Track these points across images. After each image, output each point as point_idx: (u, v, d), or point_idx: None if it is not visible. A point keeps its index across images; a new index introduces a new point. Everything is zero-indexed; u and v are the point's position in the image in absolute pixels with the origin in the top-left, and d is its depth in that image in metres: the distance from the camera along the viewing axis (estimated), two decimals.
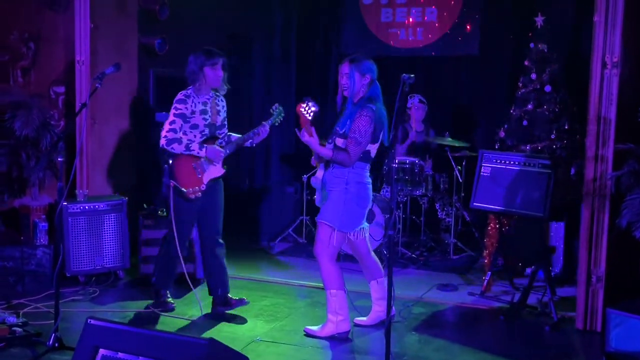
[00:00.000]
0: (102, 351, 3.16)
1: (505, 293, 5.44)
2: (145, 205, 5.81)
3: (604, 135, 4.57)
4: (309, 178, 7.08)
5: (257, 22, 8.20)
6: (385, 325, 3.73)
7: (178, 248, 4.75)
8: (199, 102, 4.70)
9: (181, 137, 4.62)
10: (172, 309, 4.92)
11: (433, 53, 7.67)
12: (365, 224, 4.54)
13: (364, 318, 4.70)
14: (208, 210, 4.84)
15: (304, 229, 7.13)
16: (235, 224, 7.62)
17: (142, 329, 3.26)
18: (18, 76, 6.39)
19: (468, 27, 7.54)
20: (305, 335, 4.52)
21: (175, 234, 4.70)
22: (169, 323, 4.72)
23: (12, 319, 4.36)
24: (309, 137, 4.31)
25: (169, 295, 5.02)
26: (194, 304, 4.99)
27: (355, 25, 7.95)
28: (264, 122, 4.79)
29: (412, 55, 7.65)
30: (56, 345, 4.06)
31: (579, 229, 4.77)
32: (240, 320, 4.81)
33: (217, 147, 4.69)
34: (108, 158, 6.29)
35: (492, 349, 4.39)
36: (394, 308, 4.56)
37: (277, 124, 4.90)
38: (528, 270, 5.75)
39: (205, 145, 4.67)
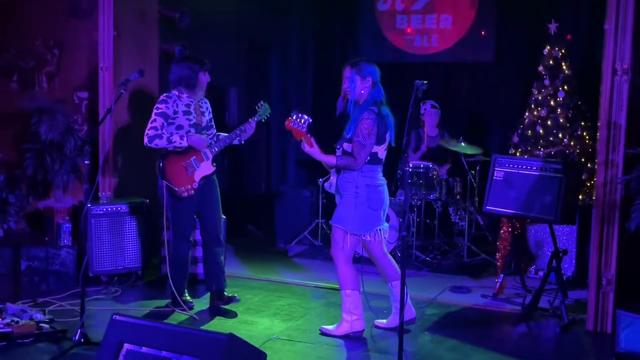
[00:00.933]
0: (126, 346, 3.30)
1: (518, 295, 5.52)
2: None
3: (614, 141, 4.66)
4: (324, 182, 7.21)
5: (275, 29, 8.36)
6: (399, 324, 3.83)
7: (177, 247, 4.97)
8: (181, 104, 4.88)
9: (162, 133, 4.77)
10: (192, 307, 5.06)
11: (448, 59, 7.78)
12: (385, 225, 4.59)
13: (384, 320, 4.78)
14: (205, 208, 5.02)
15: (319, 232, 7.25)
16: (253, 226, 7.83)
17: (165, 325, 3.41)
18: (43, 82, 6.58)
19: (483, 33, 7.64)
20: (320, 334, 4.64)
21: (172, 233, 4.94)
22: (186, 321, 4.85)
23: (38, 316, 4.52)
24: (310, 148, 4.39)
25: (186, 294, 5.16)
26: (205, 304, 5.15)
27: (371, 32, 8.08)
28: (250, 119, 4.97)
29: (427, 62, 7.77)
30: (82, 340, 4.21)
31: (591, 232, 4.86)
32: (253, 318, 4.95)
33: (199, 135, 4.83)
34: (130, 161, 6.45)
35: (503, 350, 4.48)
36: (414, 310, 4.70)
37: (263, 120, 5.07)
38: (539, 273, 5.84)
39: (185, 135, 4.80)
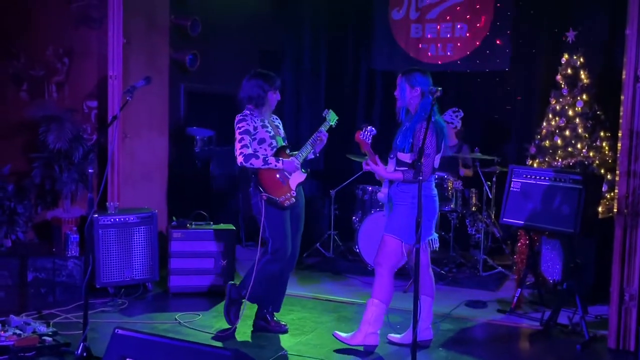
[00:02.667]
0: None
1: (536, 310, 5.35)
2: (174, 218, 5.86)
3: (636, 150, 4.50)
4: (337, 193, 7.09)
5: (288, 38, 8.28)
6: (412, 339, 3.69)
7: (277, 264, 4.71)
8: (257, 119, 4.77)
9: (256, 152, 4.68)
10: (286, 331, 4.85)
11: (463, 69, 7.65)
12: (435, 235, 4.55)
13: (398, 335, 4.66)
14: (294, 222, 4.84)
15: (331, 244, 7.12)
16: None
17: (168, 339, 3.28)
18: (53, 91, 6.53)
19: (498, 42, 7.51)
20: (334, 338, 4.52)
21: (270, 249, 4.70)
22: (196, 335, 4.72)
23: (42, 329, 4.42)
24: (375, 166, 4.40)
25: (274, 315, 4.92)
26: (221, 316, 4.99)
27: (385, 41, 7.97)
28: (320, 129, 4.80)
29: (442, 71, 7.63)
30: (84, 354, 4.10)
31: (611, 245, 4.69)
32: (262, 332, 4.82)
33: (292, 159, 4.73)
34: (139, 171, 6.37)
35: None
36: (432, 332, 4.57)
37: (333, 126, 4.87)
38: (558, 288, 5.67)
39: (280, 158, 4.71)
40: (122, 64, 6.01)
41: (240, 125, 4.71)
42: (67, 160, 6.06)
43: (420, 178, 3.85)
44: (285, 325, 4.89)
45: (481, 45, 7.56)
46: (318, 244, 7.15)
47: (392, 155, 4.45)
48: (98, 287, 5.50)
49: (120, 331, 3.28)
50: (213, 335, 4.75)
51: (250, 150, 4.66)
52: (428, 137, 4.21)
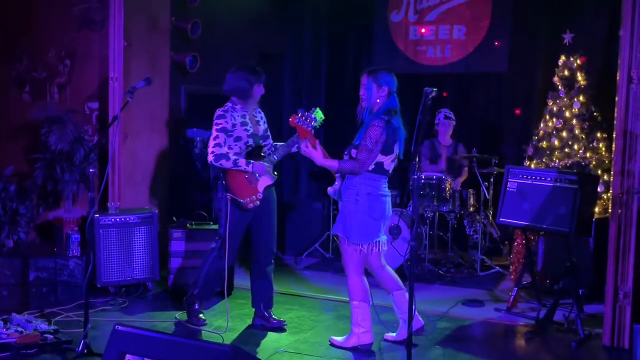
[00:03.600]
0: (128, 357, 3.22)
1: (532, 309, 5.40)
2: (174, 218, 5.91)
3: (630, 150, 4.55)
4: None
5: (288, 40, 8.34)
6: (407, 336, 3.74)
7: (226, 261, 4.79)
8: (237, 116, 4.79)
9: (227, 152, 4.70)
10: (204, 324, 4.93)
11: (461, 70, 7.70)
12: (383, 237, 4.45)
13: (394, 334, 4.67)
14: (263, 222, 4.87)
15: (330, 244, 7.17)
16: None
17: (167, 335, 3.32)
18: (54, 93, 6.59)
19: (496, 44, 7.57)
20: (330, 344, 4.56)
21: (227, 247, 4.76)
22: (194, 334, 4.77)
23: (43, 326, 4.47)
24: (312, 150, 4.30)
25: (201, 310, 5.04)
26: (221, 315, 5.06)
27: (384, 43, 8.03)
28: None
29: (440, 73, 7.70)
30: (85, 351, 4.15)
31: (606, 245, 4.74)
32: (261, 330, 4.88)
33: (263, 163, 4.73)
34: (139, 172, 6.43)
35: None
36: (421, 319, 4.58)
37: (318, 126, 4.82)
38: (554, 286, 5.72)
39: (251, 161, 4.72)
40: (123, 65, 6.06)
41: (218, 122, 4.74)
42: (69, 161, 6.11)
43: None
44: (283, 322, 4.94)
45: (479, 47, 7.61)
46: (317, 245, 7.21)
47: (346, 152, 4.40)
48: (99, 286, 5.55)
49: (120, 327, 3.31)
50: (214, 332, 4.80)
51: (222, 150, 4.68)
52: (375, 133, 4.19)
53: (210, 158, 4.69)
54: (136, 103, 4.67)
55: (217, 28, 7.28)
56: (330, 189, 4.52)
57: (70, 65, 6.52)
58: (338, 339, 4.57)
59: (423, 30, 7.80)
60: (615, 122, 4.65)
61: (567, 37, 6.62)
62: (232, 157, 4.68)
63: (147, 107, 6.38)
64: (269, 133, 5.00)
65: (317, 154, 4.31)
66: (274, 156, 4.79)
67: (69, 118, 6.18)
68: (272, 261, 5.00)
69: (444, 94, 7.49)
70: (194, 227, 5.78)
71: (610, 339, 4.65)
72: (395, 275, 4.58)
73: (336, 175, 4.46)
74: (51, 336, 4.37)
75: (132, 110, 5.80)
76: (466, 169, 7.07)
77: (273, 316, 4.96)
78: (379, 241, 4.41)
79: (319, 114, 4.65)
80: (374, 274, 4.58)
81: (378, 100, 4.34)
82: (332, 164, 4.29)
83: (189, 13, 6.96)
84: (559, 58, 6.49)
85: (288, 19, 8.25)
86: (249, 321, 5.01)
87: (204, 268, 4.92)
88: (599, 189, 5.65)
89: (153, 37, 6.53)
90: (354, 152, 4.34)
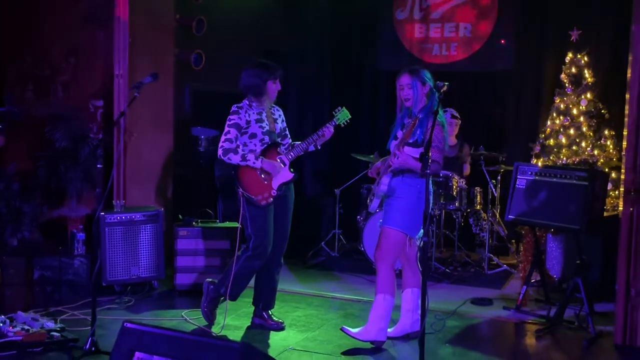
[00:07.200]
0: (137, 354, 3.18)
1: (542, 307, 5.35)
2: (180, 216, 5.87)
3: None
4: (341, 192, 7.08)
5: (292, 38, 8.29)
6: (420, 335, 3.70)
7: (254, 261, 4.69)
8: (253, 113, 4.70)
9: (237, 147, 4.63)
10: (283, 328, 4.85)
11: (467, 68, 7.66)
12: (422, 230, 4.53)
13: (390, 330, 4.64)
14: (276, 222, 4.76)
15: (336, 243, 7.12)
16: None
17: (177, 333, 3.28)
18: (58, 90, 6.54)
19: (502, 41, 7.52)
20: (342, 332, 4.52)
21: (251, 245, 4.66)
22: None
23: (50, 325, 4.42)
24: (403, 156, 4.30)
25: (270, 313, 4.93)
26: (228, 313, 5.00)
27: (389, 41, 7.99)
28: (327, 124, 4.72)
29: (446, 71, 7.64)
30: (92, 349, 4.12)
31: (616, 243, 4.69)
32: (274, 331, 4.83)
33: (274, 162, 4.66)
34: (145, 170, 6.38)
35: None
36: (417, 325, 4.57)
37: (342, 125, 4.78)
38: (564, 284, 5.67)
39: (262, 157, 4.64)
40: (127, 63, 6.02)
41: (231, 117, 4.67)
42: (73, 159, 6.06)
43: (428, 171, 3.78)
44: (282, 323, 4.88)
45: (485, 45, 7.57)
46: (323, 243, 7.16)
47: (393, 149, 4.38)
48: (104, 285, 5.50)
49: (129, 325, 3.27)
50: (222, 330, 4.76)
51: (232, 145, 4.61)
52: (439, 131, 4.23)
53: (219, 152, 4.63)
54: (141, 101, 4.61)
55: (222, 26, 7.24)
56: (382, 186, 4.45)
57: (74, 63, 6.47)
58: (352, 330, 4.51)
59: (433, 36, 7.75)
60: (626, 118, 4.61)
61: (574, 34, 6.58)
62: (241, 152, 4.62)
63: (152, 104, 6.33)
64: (287, 132, 4.90)
65: (410, 160, 4.30)
66: (291, 154, 4.73)
67: (73, 116, 6.14)
68: (282, 262, 4.92)
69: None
70: (199, 225, 5.73)
71: (622, 338, 4.60)
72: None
73: (380, 174, 4.47)
74: (58, 334, 4.32)
75: (136, 109, 5.75)
76: (467, 165, 7.02)
77: (272, 317, 4.90)
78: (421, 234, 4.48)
79: (342, 115, 4.69)
80: (410, 264, 4.58)
81: (422, 98, 4.39)
82: (418, 165, 4.23)
83: (194, 10, 6.93)
84: (566, 55, 6.46)
85: (292, 16, 8.20)
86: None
87: (234, 267, 4.71)
88: (608, 186, 5.60)
89: (158, 35, 6.50)
90: (408, 149, 4.31)
